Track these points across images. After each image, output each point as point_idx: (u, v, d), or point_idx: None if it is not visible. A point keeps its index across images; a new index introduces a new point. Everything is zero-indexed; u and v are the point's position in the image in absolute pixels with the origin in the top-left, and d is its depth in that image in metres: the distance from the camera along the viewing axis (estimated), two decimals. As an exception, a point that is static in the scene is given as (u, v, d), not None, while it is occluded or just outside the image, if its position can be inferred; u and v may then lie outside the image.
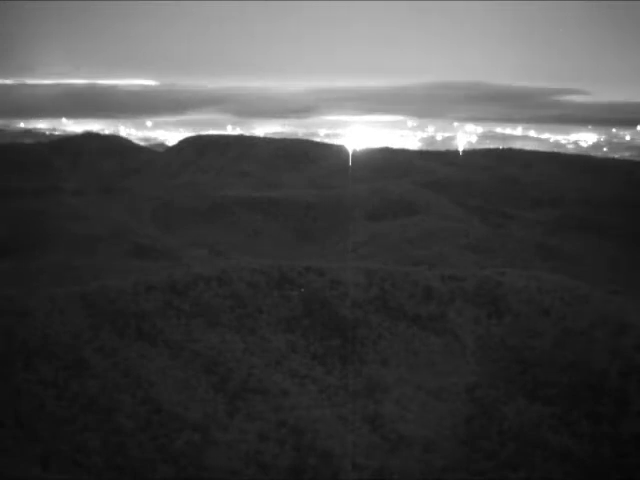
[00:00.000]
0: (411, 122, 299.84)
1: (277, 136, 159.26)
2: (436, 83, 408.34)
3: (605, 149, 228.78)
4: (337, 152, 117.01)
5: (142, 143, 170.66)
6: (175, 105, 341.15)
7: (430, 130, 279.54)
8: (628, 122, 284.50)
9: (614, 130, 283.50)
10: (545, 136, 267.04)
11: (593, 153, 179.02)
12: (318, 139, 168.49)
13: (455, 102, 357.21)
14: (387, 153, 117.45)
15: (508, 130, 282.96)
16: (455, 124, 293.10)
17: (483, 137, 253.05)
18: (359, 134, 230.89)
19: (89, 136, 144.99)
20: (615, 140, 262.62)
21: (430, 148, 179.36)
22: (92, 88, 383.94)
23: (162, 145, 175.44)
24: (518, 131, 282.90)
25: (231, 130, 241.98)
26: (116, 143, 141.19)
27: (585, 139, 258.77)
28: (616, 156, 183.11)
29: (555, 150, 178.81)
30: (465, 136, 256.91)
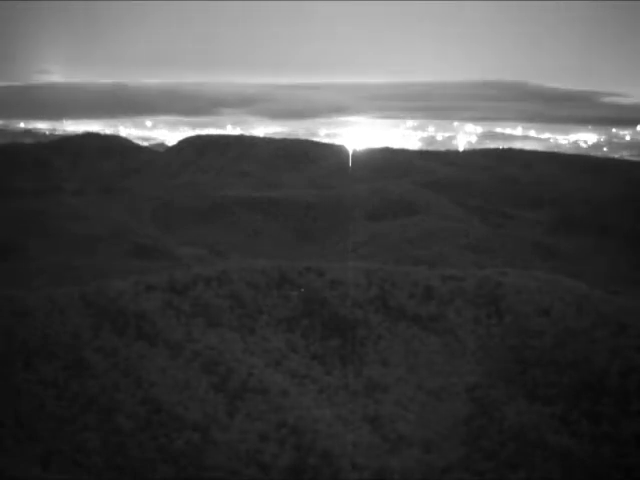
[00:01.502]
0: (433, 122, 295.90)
1: (277, 136, 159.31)
2: (487, 82, 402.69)
3: (605, 149, 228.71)
4: (337, 152, 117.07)
5: (143, 143, 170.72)
6: (205, 104, 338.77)
7: (431, 130, 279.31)
8: (628, 122, 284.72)
9: (614, 130, 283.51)
10: (545, 136, 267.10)
11: (593, 153, 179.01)
12: (318, 139, 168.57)
13: (503, 100, 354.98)
14: (387, 153, 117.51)
15: (508, 130, 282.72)
16: (455, 124, 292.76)
17: (483, 137, 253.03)
18: (359, 134, 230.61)
19: (89, 136, 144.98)
20: (615, 140, 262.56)
21: (430, 148, 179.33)
22: (122, 88, 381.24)
23: (162, 145, 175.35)
24: (518, 131, 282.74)
25: (231, 130, 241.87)
26: (116, 143, 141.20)
27: (585, 139, 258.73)
28: (616, 156, 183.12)
29: (555, 150, 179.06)
30: (465, 136, 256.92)
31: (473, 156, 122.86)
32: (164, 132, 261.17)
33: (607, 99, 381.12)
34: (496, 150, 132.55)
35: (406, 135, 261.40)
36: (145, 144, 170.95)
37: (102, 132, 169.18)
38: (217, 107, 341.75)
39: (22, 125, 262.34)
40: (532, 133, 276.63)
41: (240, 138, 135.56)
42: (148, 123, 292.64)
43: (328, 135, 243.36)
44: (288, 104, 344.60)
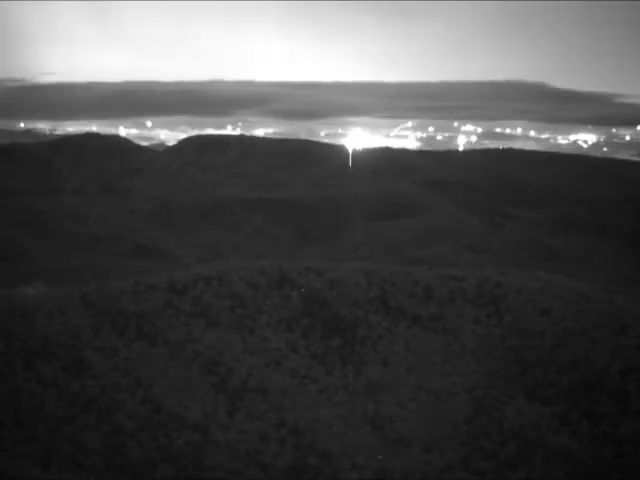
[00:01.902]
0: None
1: (277, 136, 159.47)
2: (487, 82, 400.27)
3: (605, 149, 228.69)
4: (337, 152, 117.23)
5: (143, 143, 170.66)
6: (205, 105, 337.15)
7: (431, 130, 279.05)
8: (628, 122, 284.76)
9: (614, 130, 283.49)
10: (545, 136, 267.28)
11: (593, 153, 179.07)
12: (318, 139, 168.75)
13: (503, 100, 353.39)
14: (387, 153, 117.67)
15: (508, 130, 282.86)
16: (455, 124, 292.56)
17: (483, 137, 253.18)
18: (360, 134, 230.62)
19: (89, 136, 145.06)
20: (615, 140, 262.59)
21: (430, 148, 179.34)
22: (123, 88, 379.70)
23: (162, 145, 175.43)
24: (518, 131, 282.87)
25: (231, 130, 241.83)
26: (116, 143, 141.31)
27: (585, 139, 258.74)
28: (616, 156, 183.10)
29: (555, 150, 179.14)
30: (465, 136, 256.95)
31: (473, 156, 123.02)
32: (164, 132, 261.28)
33: (607, 99, 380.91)
34: (496, 150, 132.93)
35: (406, 135, 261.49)
36: (145, 144, 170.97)
37: (102, 132, 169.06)
38: (218, 107, 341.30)
39: (22, 125, 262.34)
40: (532, 133, 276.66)
41: (240, 138, 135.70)
42: (148, 123, 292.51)
43: (328, 135, 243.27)
44: (289, 104, 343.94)
